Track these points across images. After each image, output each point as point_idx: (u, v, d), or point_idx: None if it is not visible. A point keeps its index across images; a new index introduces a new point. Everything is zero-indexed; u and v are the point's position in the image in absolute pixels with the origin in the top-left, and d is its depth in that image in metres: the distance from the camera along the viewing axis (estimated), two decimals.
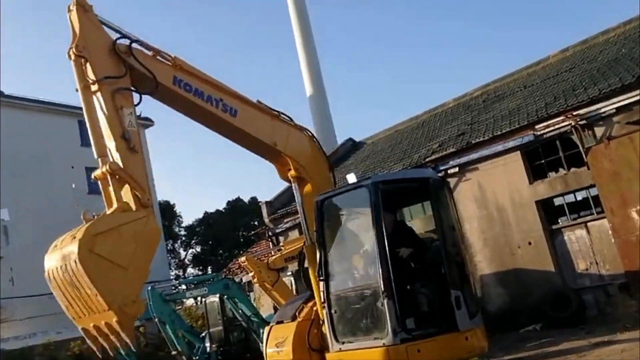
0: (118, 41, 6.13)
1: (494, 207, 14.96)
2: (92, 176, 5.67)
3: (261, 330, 14.02)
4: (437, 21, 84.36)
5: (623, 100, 12.78)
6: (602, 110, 13.09)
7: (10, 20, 67.76)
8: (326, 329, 6.16)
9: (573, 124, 13.34)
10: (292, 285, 18.28)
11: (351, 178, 6.43)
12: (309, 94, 34.78)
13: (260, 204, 24.19)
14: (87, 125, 5.61)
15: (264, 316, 15.55)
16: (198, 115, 7.18)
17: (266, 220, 22.02)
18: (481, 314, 6.57)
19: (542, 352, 10.74)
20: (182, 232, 52.50)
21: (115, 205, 5.42)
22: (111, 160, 5.52)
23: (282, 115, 7.84)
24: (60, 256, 5.00)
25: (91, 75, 5.75)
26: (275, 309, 14.37)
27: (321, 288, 6.16)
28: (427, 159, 16.48)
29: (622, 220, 12.50)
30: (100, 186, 5.60)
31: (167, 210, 47.95)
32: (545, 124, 14.04)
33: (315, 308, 6.31)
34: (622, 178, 12.40)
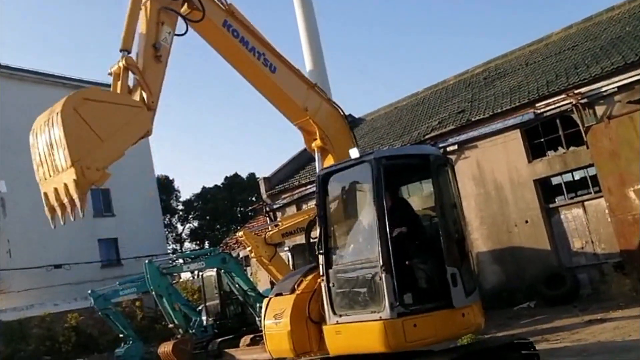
0: None
1: (492, 186, 14.99)
2: (108, 71, 5.81)
3: (257, 305, 14.12)
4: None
5: (625, 79, 12.74)
6: (604, 89, 13.04)
7: None
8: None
9: (574, 102, 13.29)
10: (289, 261, 18.37)
11: (354, 153, 6.39)
12: (309, 69, 34.45)
13: (258, 179, 24.23)
14: (125, 23, 5.83)
15: (260, 291, 15.65)
16: (238, 62, 7.45)
17: (264, 196, 22.08)
18: (478, 291, 6.61)
19: (536, 329, 10.87)
20: (180, 207, 52.60)
21: None
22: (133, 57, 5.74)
23: (317, 87, 8.18)
24: (48, 112, 5.16)
25: None
26: (272, 283, 14.45)
27: (320, 261, 6.19)
28: (426, 136, 16.46)
29: (620, 200, 12.53)
30: (112, 80, 5.75)
31: (166, 185, 47.95)
32: (546, 102, 14.00)
33: (318, 280, 6.34)
34: (621, 157, 12.40)
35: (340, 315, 6.06)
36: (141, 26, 5.99)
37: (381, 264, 5.73)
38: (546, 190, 14.43)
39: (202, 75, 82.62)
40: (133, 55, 5.83)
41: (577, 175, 14.12)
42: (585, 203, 13.83)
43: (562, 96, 13.62)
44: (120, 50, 5.72)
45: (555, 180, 14.39)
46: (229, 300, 16.96)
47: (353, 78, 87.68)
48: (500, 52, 21.09)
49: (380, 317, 5.71)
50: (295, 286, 6.70)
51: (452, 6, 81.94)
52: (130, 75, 5.77)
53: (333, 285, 6.15)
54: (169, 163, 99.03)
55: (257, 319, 13.96)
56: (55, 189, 5.14)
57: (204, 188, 52.18)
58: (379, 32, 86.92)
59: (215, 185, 52.20)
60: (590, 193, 13.75)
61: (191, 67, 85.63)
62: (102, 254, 31.87)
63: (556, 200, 14.38)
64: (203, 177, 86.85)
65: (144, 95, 5.71)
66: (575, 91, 13.37)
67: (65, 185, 5.01)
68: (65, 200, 5.09)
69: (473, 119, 15.58)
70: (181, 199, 52.55)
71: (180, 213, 52.76)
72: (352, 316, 5.99)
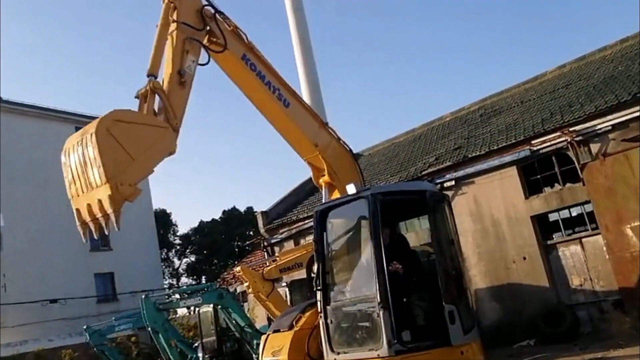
0: (206, 7, 7.10)
1: (490, 222, 15.00)
2: (136, 94, 6.09)
3: (255, 341, 13.94)
4: (436, 36, 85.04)
5: (619, 117, 12.90)
6: (598, 127, 13.19)
7: (9, 23, 67.89)
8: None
9: (569, 140, 13.43)
10: (286, 296, 18.22)
11: (351, 189, 6.48)
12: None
13: (255, 213, 24.16)
14: (152, 50, 6.26)
15: (258, 327, 15.46)
16: (254, 94, 7.94)
17: (262, 230, 21.98)
18: (477, 328, 6.57)
19: None
20: (177, 241, 52.30)
21: None
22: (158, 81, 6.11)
23: (328, 127, 8.63)
24: (80, 133, 5.46)
25: (174, 17, 6.52)
26: (269, 319, 14.30)
27: (318, 298, 6.19)
28: (423, 172, 16.53)
29: (617, 237, 12.51)
30: (139, 103, 6.05)
31: (163, 219, 47.81)
32: (541, 139, 14.13)
33: (317, 316, 6.33)
34: (617, 194, 12.44)
35: (339, 353, 6.03)
36: (167, 54, 6.41)
37: (379, 300, 5.73)
38: (543, 226, 14.43)
39: (200, 109, 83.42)
40: (159, 80, 6.19)
41: (574, 212, 14.14)
42: (583, 240, 13.81)
43: (557, 134, 13.76)
44: (148, 75, 6.08)
45: (553, 217, 14.40)
46: (225, 336, 16.72)
47: (350, 113, 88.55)
48: (496, 90, 21.40)
49: (379, 354, 5.70)
50: (294, 323, 6.70)
51: (448, 45, 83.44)
52: (156, 100, 6.10)
53: (331, 322, 6.14)
54: (166, 197, 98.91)
55: (254, 356, 13.77)
56: (89, 205, 5.39)
57: (201, 222, 52.06)
58: (376, 69, 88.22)
59: (213, 219, 52.06)
60: (588, 230, 13.75)
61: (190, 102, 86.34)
62: (98, 288, 31.57)
63: (554, 236, 14.36)
64: (201, 211, 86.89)
65: (169, 117, 6.05)
66: (570, 129, 13.52)
67: (99, 201, 5.27)
68: (99, 215, 5.34)
69: (470, 156, 15.69)
70: (178, 233, 52.34)
71: (178, 247, 52.46)
72: (350, 354, 5.97)
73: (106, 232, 5.51)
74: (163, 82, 6.25)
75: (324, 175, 8.38)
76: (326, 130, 8.52)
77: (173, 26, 6.53)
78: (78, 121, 32.13)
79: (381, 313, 5.68)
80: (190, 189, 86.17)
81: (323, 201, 8.27)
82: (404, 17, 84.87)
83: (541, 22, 78.87)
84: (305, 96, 29.34)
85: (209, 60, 6.97)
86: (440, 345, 5.94)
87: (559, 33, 78.45)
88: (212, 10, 7.13)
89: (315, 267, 6.77)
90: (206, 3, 7.09)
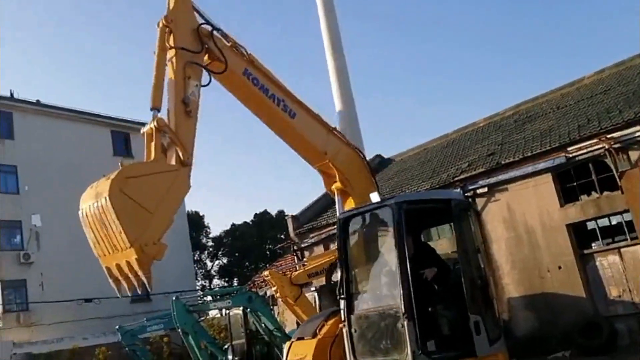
0: (202, 26, 6.80)
1: (523, 229, 14.68)
2: (141, 132, 5.98)
3: (283, 346, 13.96)
4: (469, 41, 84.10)
5: None
6: (638, 134, 12.79)
7: (44, 28, 70.02)
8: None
9: (607, 147, 13.05)
10: (315, 302, 18.17)
11: (374, 197, 6.43)
12: (339, 109, 34.75)
13: (286, 217, 24.25)
14: (152, 81, 6.03)
15: (287, 331, 15.46)
16: (258, 108, 7.74)
17: (292, 234, 22.02)
18: (505, 338, 6.43)
19: None
20: (210, 243, 52.94)
21: (152, 158, 5.80)
22: (163, 117, 5.94)
23: (335, 131, 8.42)
24: (94, 194, 5.33)
25: (171, 43, 6.30)
26: (299, 324, 14.30)
27: (342, 306, 6.14)
28: (455, 178, 16.31)
29: None
30: (145, 141, 5.91)
31: (196, 221, 48.46)
32: (577, 146, 13.77)
33: (340, 325, 6.30)
34: None
35: None
36: (169, 83, 6.18)
37: (403, 310, 5.66)
38: (580, 235, 14.03)
39: (233, 112, 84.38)
40: (163, 111, 5.99)
41: (613, 221, 13.71)
42: (622, 250, 13.38)
43: (595, 140, 13.39)
44: (151, 109, 5.89)
45: (590, 226, 14.01)
46: (255, 339, 16.78)
47: (383, 118, 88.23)
48: (531, 96, 20.95)
49: None
50: (317, 330, 6.66)
51: (483, 50, 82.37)
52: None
53: (355, 331, 6.09)
54: (199, 199, 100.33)
55: None
56: (117, 265, 5.34)
57: (233, 225, 52.61)
58: (409, 73, 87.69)
59: (245, 222, 52.56)
60: (627, 239, 13.33)
61: (221, 104, 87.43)
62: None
63: (591, 246, 13.96)
64: (233, 214, 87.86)
65: (179, 152, 5.83)
66: (608, 136, 13.14)
67: (128, 262, 5.22)
68: (130, 276, 5.31)
69: (503, 162, 15.40)
70: (211, 235, 52.99)
71: (210, 249, 53.10)
72: None
73: (139, 292, 5.51)
74: (168, 113, 6.04)
75: (335, 182, 8.25)
76: (335, 136, 8.34)
77: (171, 52, 6.29)
78: (112, 124, 32.95)
79: (405, 323, 5.60)
80: (223, 192, 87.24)
81: (337, 208, 8.19)
82: (438, 22, 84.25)
83: (580, 26, 77.20)
84: (337, 100, 29.27)
85: (210, 81, 6.73)
86: (465, 355, 5.84)
87: (598, 37, 76.64)
88: (209, 28, 6.88)
89: (335, 275, 6.73)
90: (202, 21, 6.83)
